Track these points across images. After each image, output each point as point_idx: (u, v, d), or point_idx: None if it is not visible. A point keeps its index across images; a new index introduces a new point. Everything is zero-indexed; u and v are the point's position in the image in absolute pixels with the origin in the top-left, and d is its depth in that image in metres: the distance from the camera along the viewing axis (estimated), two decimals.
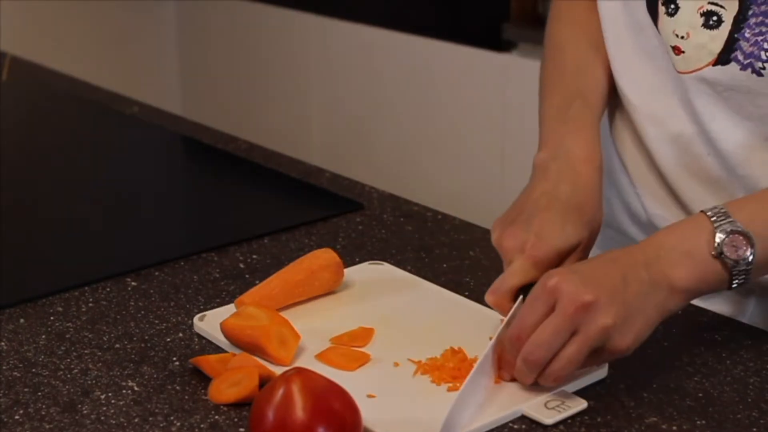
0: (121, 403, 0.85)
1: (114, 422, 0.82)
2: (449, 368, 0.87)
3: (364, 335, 0.93)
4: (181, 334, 0.96)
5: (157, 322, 0.98)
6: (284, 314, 0.94)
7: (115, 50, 3.51)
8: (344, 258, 1.04)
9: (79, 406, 0.84)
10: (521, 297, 0.89)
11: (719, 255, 0.83)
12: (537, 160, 1.00)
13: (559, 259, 0.91)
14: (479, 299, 1.00)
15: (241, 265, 1.10)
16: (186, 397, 0.85)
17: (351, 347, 0.91)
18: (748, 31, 0.93)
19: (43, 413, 0.83)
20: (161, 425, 0.82)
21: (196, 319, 0.97)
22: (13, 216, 1.27)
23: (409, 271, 1.07)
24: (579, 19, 1.10)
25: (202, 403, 0.84)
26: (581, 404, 0.83)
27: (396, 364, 0.88)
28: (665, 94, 1.02)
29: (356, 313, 0.98)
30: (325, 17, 3.02)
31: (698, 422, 0.82)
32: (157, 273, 1.09)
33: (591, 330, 0.80)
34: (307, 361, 0.89)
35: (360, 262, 1.09)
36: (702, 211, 0.86)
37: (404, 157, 2.85)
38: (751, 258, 0.84)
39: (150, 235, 1.21)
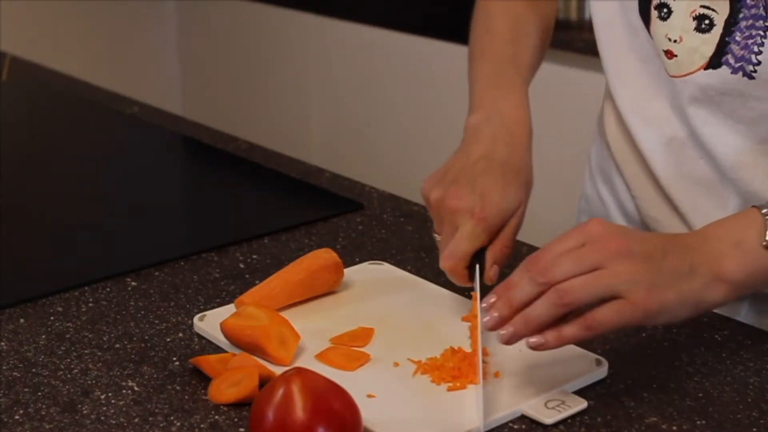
0: (121, 403, 0.85)
1: (114, 422, 0.82)
2: (449, 368, 0.87)
3: (364, 335, 0.93)
4: (181, 334, 0.96)
5: (157, 322, 0.98)
6: (284, 314, 0.94)
7: (115, 50, 3.51)
8: (344, 258, 1.04)
9: (79, 406, 0.84)
10: (477, 266, 0.91)
11: None
12: (469, 123, 1.02)
13: (502, 222, 0.92)
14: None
15: (241, 265, 1.10)
16: (186, 397, 0.85)
17: (351, 347, 0.91)
18: (738, 34, 0.93)
19: (43, 413, 0.83)
20: (161, 425, 0.82)
21: (196, 319, 0.97)
22: (13, 216, 1.27)
23: (409, 271, 1.07)
24: (508, 12, 1.12)
25: (202, 403, 0.84)
26: (581, 404, 0.83)
27: (396, 364, 0.88)
28: (658, 97, 1.02)
29: (356, 313, 0.98)
30: (325, 17, 3.02)
31: (698, 422, 0.82)
32: (157, 273, 1.09)
33: (616, 271, 0.77)
34: (307, 361, 0.89)
35: (360, 262, 1.09)
36: (754, 206, 0.84)
37: (404, 157, 2.85)
38: None
39: (150, 235, 1.22)
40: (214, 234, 1.19)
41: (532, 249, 1.08)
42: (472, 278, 0.94)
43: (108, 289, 1.05)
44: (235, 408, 0.84)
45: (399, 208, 1.25)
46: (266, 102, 3.33)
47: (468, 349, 0.89)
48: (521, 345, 0.90)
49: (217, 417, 0.82)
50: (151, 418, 0.82)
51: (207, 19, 3.51)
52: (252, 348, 0.89)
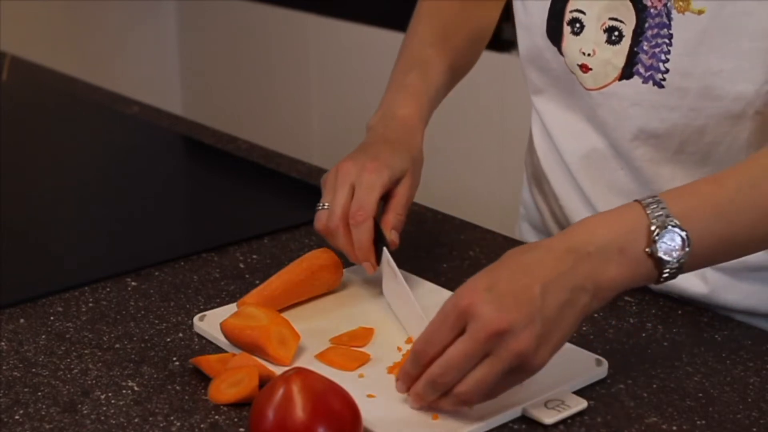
0: (121, 403, 0.85)
1: (114, 422, 0.82)
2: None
3: (364, 335, 0.93)
4: (181, 334, 0.96)
5: (157, 322, 0.98)
6: (284, 314, 0.94)
7: (115, 50, 3.51)
8: (344, 258, 1.04)
9: (79, 406, 0.84)
10: (385, 249, 0.96)
11: (652, 253, 0.80)
12: (369, 124, 1.08)
13: (391, 180, 0.98)
14: None
15: (241, 265, 1.10)
16: (186, 397, 0.85)
17: (351, 347, 0.91)
18: (645, 43, 0.95)
19: (43, 413, 0.83)
20: (161, 425, 0.82)
21: (196, 319, 0.97)
22: (13, 216, 1.27)
23: (410, 271, 1.07)
24: (436, 14, 1.17)
25: (202, 403, 0.84)
26: (581, 404, 0.83)
27: (396, 364, 0.88)
28: (575, 111, 1.04)
29: (356, 313, 0.98)
30: (325, 17, 3.02)
31: (698, 422, 0.82)
32: (157, 273, 1.09)
33: (504, 355, 0.76)
34: (307, 361, 0.89)
35: None
36: (637, 201, 0.82)
37: None
38: (684, 258, 0.80)
39: (150, 235, 1.21)
40: (214, 234, 1.19)
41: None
42: (379, 262, 0.98)
43: (108, 289, 1.05)
44: (235, 408, 0.83)
45: None
46: (266, 102, 3.32)
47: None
48: None
49: (217, 417, 0.82)
50: (151, 418, 0.82)
51: (207, 19, 3.51)
52: (252, 348, 0.89)
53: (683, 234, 0.80)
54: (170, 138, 1.59)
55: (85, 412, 0.84)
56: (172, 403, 0.85)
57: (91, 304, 1.02)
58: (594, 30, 0.98)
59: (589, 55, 0.99)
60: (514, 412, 0.82)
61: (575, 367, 0.87)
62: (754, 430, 0.81)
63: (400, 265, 1.08)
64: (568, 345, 0.90)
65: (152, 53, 3.61)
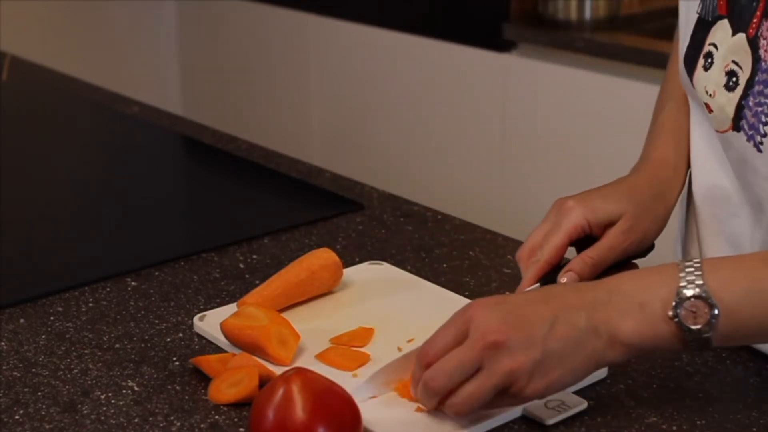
0: (121, 403, 0.85)
1: (114, 422, 0.82)
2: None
3: (364, 335, 0.93)
4: (181, 334, 0.96)
5: (157, 322, 0.98)
6: (284, 314, 0.94)
7: (115, 50, 3.51)
8: (344, 258, 1.04)
9: (79, 406, 0.84)
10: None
11: (674, 317, 0.75)
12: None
13: (593, 228, 0.91)
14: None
15: (241, 265, 1.10)
16: (186, 397, 0.85)
17: (351, 347, 0.91)
18: (752, 98, 0.84)
19: (43, 413, 0.83)
20: (161, 425, 0.82)
21: (196, 319, 0.97)
22: (13, 216, 1.27)
23: (409, 271, 1.07)
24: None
25: (202, 403, 0.84)
26: (581, 404, 0.83)
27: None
28: (713, 150, 0.93)
29: (356, 313, 0.98)
30: (325, 17, 3.02)
31: (698, 422, 0.82)
32: (157, 273, 1.09)
33: (495, 370, 0.75)
34: (307, 361, 0.89)
35: (360, 262, 1.09)
36: (676, 264, 0.77)
37: (404, 157, 2.85)
38: (709, 330, 0.75)
39: (150, 235, 1.21)
40: (214, 234, 1.19)
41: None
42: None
43: (108, 289, 1.05)
44: (235, 408, 0.83)
45: (399, 208, 1.25)
46: (266, 102, 3.32)
47: None
48: None
49: (217, 417, 0.82)
50: (151, 418, 0.82)
51: (207, 19, 3.51)
52: (252, 348, 0.89)
53: (712, 303, 0.75)
54: (170, 138, 1.59)
55: (85, 412, 0.84)
56: (172, 403, 0.85)
57: (91, 304, 1.02)
58: (719, 70, 0.87)
59: (710, 95, 0.88)
60: (514, 412, 0.82)
61: None
62: (754, 430, 0.81)
63: (399, 265, 1.08)
64: None
65: (152, 53, 3.61)
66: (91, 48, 3.44)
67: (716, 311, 0.75)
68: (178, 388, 0.87)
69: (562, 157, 2.30)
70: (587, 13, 2.41)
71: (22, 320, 0.99)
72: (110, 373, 0.89)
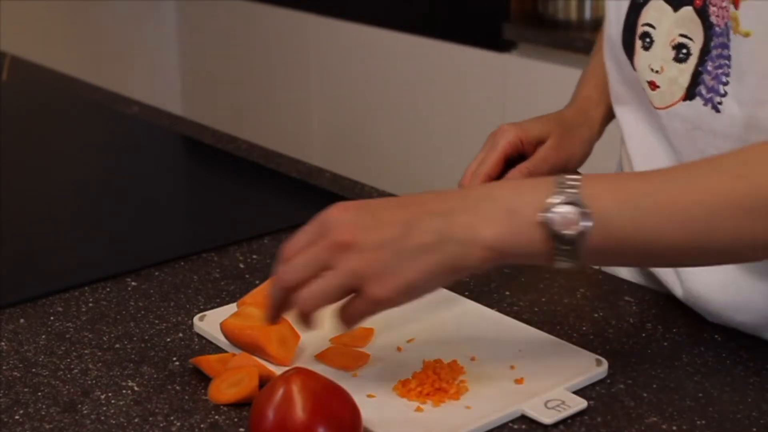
0: (121, 403, 0.85)
1: (114, 422, 0.82)
2: (426, 390, 0.84)
3: (364, 335, 0.93)
4: (181, 334, 0.96)
5: (157, 322, 0.98)
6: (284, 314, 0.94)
7: (115, 50, 3.51)
8: None
9: (79, 406, 0.84)
10: None
11: (543, 222, 0.74)
12: None
13: (525, 145, 1.02)
14: (479, 299, 1.00)
15: (241, 265, 1.10)
16: (186, 397, 0.85)
17: (351, 347, 0.91)
18: (710, 63, 0.88)
19: (43, 413, 0.83)
20: (161, 425, 0.82)
21: (196, 319, 0.97)
22: (13, 216, 1.27)
23: None
24: None
25: (202, 403, 0.84)
26: (581, 404, 0.83)
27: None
28: (648, 129, 0.99)
29: None
30: (325, 17, 3.02)
31: (698, 422, 0.82)
32: (157, 273, 1.09)
33: (340, 268, 0.76)
34: (307, 361, 0.89)
35: None
36: (557, 175, 0.77)
37: (404, 157, 2.85)
38: (579, 239, 0.74)
39: (150, 235, 1.22)
40: (214, 234, 1.19)
41: None
42: None
43: (108, 289, 1.05)
44: (235, 408, 0.84)
45: None
46: (266, 102, 3.33)
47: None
48: (521, 345, 0.91)
49: (217, 417, 0.82)
50: (151, 418, 0.82)
51: (207, 19, 3.51)
52: (252, 348, 0.89)
53: (584, 211, 0.74)
54: (170, 138, 1.59)
55: (85, 412, 0.84)
56: (172, 403, 0.85)
57: (91, 304, 1.02)
58: (663, 46, 0.92)
59: (657, 72, 0.93)
60: (514, 412, 0.82)
61: (575, 367, 0.87)
62: (754, 430, 0.81)
63: None
64: (567, 345, 0.91)
65: (152, 53, 3.61)
66: (91, 48, 3.45)
67: (589, 222, 0.74)
68: (178, 388, 0.87)
69: None
70: (587, 13, 2.42)
71: (22, 320, 0.99)
72: (110, 373, 0.89)
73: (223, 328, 0.91)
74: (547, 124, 1.03)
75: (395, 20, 2.80)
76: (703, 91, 0.89)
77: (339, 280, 0.76)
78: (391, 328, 0.95)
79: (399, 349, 0.91)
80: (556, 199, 0.74)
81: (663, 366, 0.90)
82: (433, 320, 0.96)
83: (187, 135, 1.58)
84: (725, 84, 0.87)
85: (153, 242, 1.19)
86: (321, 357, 0.90)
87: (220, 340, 0.93)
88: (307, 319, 0.79)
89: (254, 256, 1.12)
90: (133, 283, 1.06)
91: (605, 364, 0.88)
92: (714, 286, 0.93)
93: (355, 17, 2.92)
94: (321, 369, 0.86)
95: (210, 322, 0.95)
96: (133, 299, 1.03)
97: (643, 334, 0.95)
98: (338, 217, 0.77)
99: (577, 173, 0.76)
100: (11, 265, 1.11)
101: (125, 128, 1.65)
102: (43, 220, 1.27)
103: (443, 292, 1.01)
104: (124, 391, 0.86)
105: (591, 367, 0.87)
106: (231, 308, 0.97)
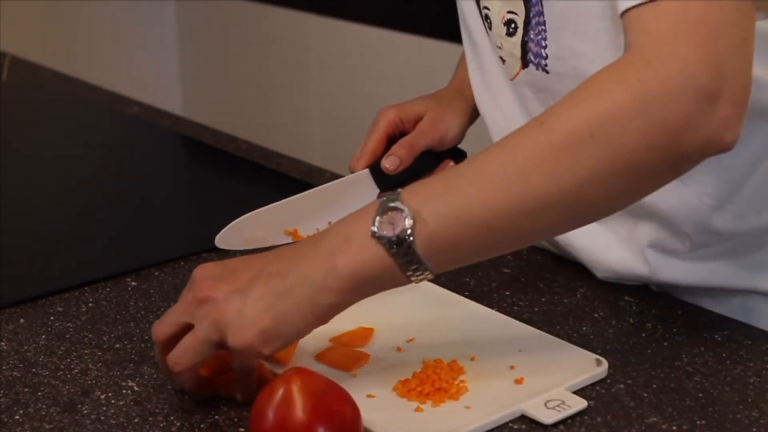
0: (121, 403, 0.85)
1: (114, 422, 0.82)
2: (426, 390, 0.84)
3: (364, 335, 0.93)
4: None
5: None
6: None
7: (115, 50, 3.51)
8: None
9: (79, 406, 0.84)
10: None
11: (375, 233, 0.77)
12: None
13: (405, 123, 1.08)
14: (479, 299, 1.00)
15: None
16: (186, 397, 0.85)
17: (351, 347, 0.91)
18: (532, 32, 0.97)
19: (43, 413, 0.83)
20: (161, 425, 0.82)
21: None
22: (13, 216, 1.27)
23: None
24: None
25: (202, 403, 0.84)
26: (581, 404, 0.83)
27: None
28: (507, 103, 1.05)
29: (356, 313, 0.98)
30: (325, 17, 3.02)
31: (698, 422, 0.82)
32: (157, 273, 1.09)
33: (202, 321, 0.79)
34: (307, 361, 0.89)
35: None
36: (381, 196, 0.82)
37: None
38: (408, 236, 0.76)
39: (150, 235, 1.21)
40: (214, 234, 1.18)
41: None
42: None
43: (108, 289, 1.05)
44: (235, 408, 0.84)
45: None
46: (266, 102, 3.33)
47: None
48: (521, 345, 0.91)
49: (217, 417, 0.82)
50: (151, 418, 0.82)
51: (207, 20, 3.51)
52: None
53: (404, 208, 0.77)
54: (170, 138, 1.59)
55: (85, 412, 0.84)
56: (172, 403, 0.85)
57: (91, 304, 1.02)
58: (497, 24, 1.01)
59: (499, 47, 1.02)
60: (514, 412, 0.82)
61: (575, 367, 0.87)
62: (754, 430, 0.81)
63: None
64: (567, 345, 0.91)
65: (152, 53, 3.61)
66: (91, 48, 3.44)
67: (409, 216, 0.76)
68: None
69: None
70: None
71: (22, 320, 0.99)
72: (110, 373, 0.89)
73: None
74: (424, 102, 1.09)
75: (395, 20, 2.80)
76: (532, 57, 0.98)
77: (203, 332, 0.79)
78: (391, 328, 0.95)
79: (399, 349, 0.91)
80: (380, 212, 0.78)
81: (663, 366, 0.90)
82: (433, 320, 0.96)
83: (187, 135, 1.57)
84: (545, 47, 0.96)
85: (153, 242, 1.19)
86: (321, 357, 0.90)
87: None
88: (183, 378, 0.81)
89: None
90: (133, 283, 1.06)
91: (605, 364, 0.88)
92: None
93: (355, 17, 2.92)
94: (321, 369, 0.86)
95: None
96: (133, 299, 1.03)
97: (643, 334, 0.95)
98: (200, 273, 0.81)
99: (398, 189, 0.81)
100: (11, 265, 1.11)
101: (125, 128, 1.65)
102: (43, 220, 1.27)
103: (443, 292, 1.01)
104: (124, 391, 0.86)
105: (591, 367, 0.87)
106: None
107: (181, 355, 0.80)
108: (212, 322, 0.78)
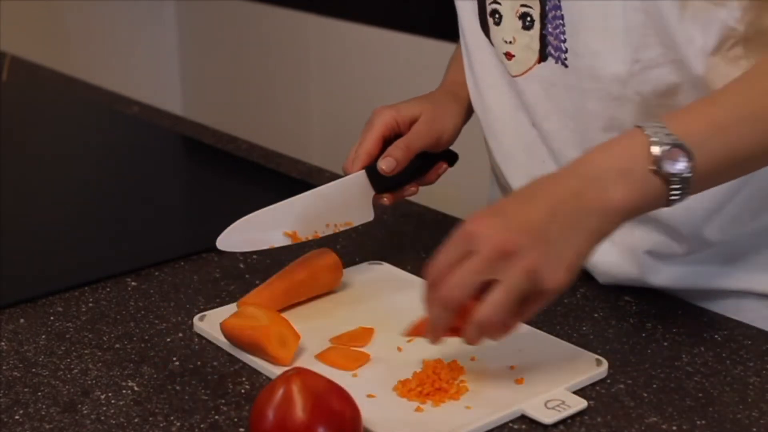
0: (121, 403, 0.85)
1: (114, 422, 0.82)
2: (426, 390, 0.85)
3: (364, 335, 0.93)
4: (181, 334, 0.96)
5: (157, 322, 0.98)
6: (284, 314, 0.94)
7: (115, 50, 3.51)
8: (344, 258, 1.04)
9: (79, 406, 0.84)
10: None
11: (658, 170, 0.80)
12: None
13: (400, 125, 1.07)
14: None
15: (241, 265, 1.10)
16: (186, 397, 0.85)
17: (351, 347, 0.91)
18: (549, 26, 0.98)
19: (43, 413, 0.83)
20: (161, 425, 0.82)
21: (196, 319, 0.97)
22: (13, 216, 1.27)
23: (409, 271, 1.07)
24: None
25: (202, 403, 0.84)
26: (581, 404, 0.83)
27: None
28: (507, 100, 1.06)
29: (356, 313, 0.98)
30: (325, 17, 3.02)
31: (698, 422, 0.82)
32: (157, 273, 1.09)
33: (515, 274, 0.76)
34: (307, 361, 0.89)
35: (360, 262, 1.09)
36: (637, 126, 0.82)
37: None
38: (689, 171, 0.80)
39: (150, 235, 1.21)
40: (214, 234, 1.18)
41: None
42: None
43: (108, 289, 1.05)
44: (235, 408, 0.84)
45: (398, 208, 1.25)
46: (266, 102, 3.32)
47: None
48: (521, 345, 0.91)
49: (217, 417, 0.83)
50: (151, 418, 0.82)
51: (207, 20, 3.51)
52: (252, 348, 0.89)
53: (685, 147, 0.80)
54: (170, 138, 1.59)
55: (85, 412, 0.84)
56: (172, 403, 0.85)
57: (91, 304, 1.02)
58: (510, 18, 1.01)
59: (510, 42, 1.02)
60: (514, 412, 0.82)
61: (575, 367, 0.87)
62: (754, 430, 0.81)
63: (400, 265, 1.08)
64: (567, 345, 0.91)
65: (152, 53, 3.61)
66: (91, 48, 3.44)
67: (691, 155, 0.80)
68: (178, 388, 0.87)
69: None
70: None
71: (22, 320, 0.99)
72: (110, 373, 0.89)
73: (223, 328, 0.91)
74: (419, 103, 1.09)
75: (395, 20, 2.80)
76: (552, 51, 0.99)
77: (516, 284, 0.77)
78: (391, 328, 0.95)
79: (399, 349, 0.91)
80: (657, 147, 0.80)
81: (663, 366, 0.90)
82: None
83: (187, 135, 1.58)
84: (564, 41, 0.97)
85: (153, 242, 1.19)
86: (321, 357, 0.90)
87: (220, 340, 0.93)
88: (497, 332, 0.80)
89: (254, 257, 1.12)
90: (133, 283, 1.06)
91: (605, 364, 0.88)
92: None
93: (355, 17, 2.92)
94: (321, 369, 0.86)
95: (210, 322, 0.95)
96: (133, 299, 1.03)
97: (643, 334, 0.95)
98: (482, 230, 0.78)
99: (656, 120, 0.82)
100: (11, 265, 1.11)
101: (125, 128, 1.65)
102: (43, 220, 1.27)
103: None
104: (124, 391, 0.86)
105: (591, 367, 0.87)
106: (231, 308, 0.97)
107: (497, 312, 0.77)
108: (526, 272, 0.76)
